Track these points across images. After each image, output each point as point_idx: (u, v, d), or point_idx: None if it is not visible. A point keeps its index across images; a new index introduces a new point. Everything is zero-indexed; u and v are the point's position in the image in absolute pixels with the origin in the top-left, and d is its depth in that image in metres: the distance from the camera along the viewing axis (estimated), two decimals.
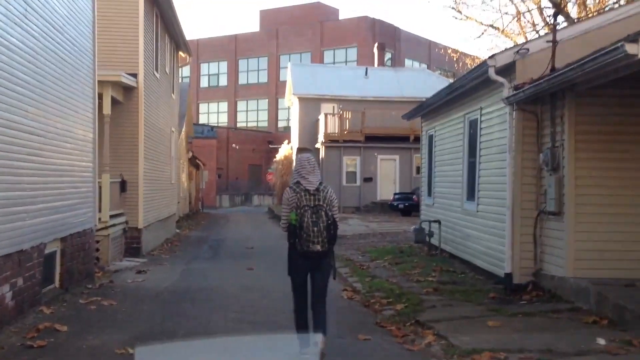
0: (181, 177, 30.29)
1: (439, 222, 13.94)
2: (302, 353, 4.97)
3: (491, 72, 9.79)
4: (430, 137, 15.93)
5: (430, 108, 15.32)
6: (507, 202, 9.78)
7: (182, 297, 9.66)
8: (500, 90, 10.16)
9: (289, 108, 58.20)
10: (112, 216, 14.27)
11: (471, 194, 12.20)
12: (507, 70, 9.83)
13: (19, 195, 7.26)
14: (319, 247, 5.92)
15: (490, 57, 9.88)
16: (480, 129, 11.56)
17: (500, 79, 9.80)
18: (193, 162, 38.10)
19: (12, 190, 7.01)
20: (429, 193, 15.92)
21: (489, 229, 10.94)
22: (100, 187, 13.83)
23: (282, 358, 1.76)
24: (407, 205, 33.36)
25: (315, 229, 5.85)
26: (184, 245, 19.31)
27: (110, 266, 13.70)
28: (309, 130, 40.56)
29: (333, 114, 38.26)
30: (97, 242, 13.58)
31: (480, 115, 11.57)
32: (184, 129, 31.36)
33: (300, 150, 41.22)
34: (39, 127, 8.01)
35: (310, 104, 40.53)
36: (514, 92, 9.54)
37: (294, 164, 6.67)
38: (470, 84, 11.14)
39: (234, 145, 58.45)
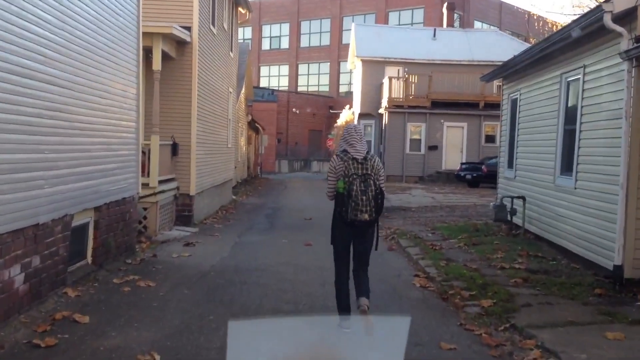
0: (239, 141, 29.23)
1: (523, 198, 12.23)
2: (344, 327, 5.01)
3: (607, 20, 7.99)
4: (514, 102, 14.10)
5: (516, 68, 13.47)
6: (620, 179, 8.06)
7: (230, 279, 8.40)
8: (614, 43, 8.36)
9: (351, 72, 56.35)
10: (161, 182, 13.17)
11: (567, 167, 10.45)
12: (627, 17, 8.02)
13: (34, 159, 6.04)
14: (366, 216, 5.84)
15: (605, 1, 8.06)
16: (583, 90, 9.75)
17: (618, 27, 7.99)
18: (252, 126, 37.02)
19: (22, 152, 5.79)
20: (510, 165, 14.16)
21: (590, 210, 9.23)
22: (147, 151, 12.73)
23: (322, 334, 1.53)
24: (475, 176, 31.48)
25: (364, 197, 5.78)
26: (239, 214, 18.17)
27: (158, 236, 12.64)
28: (372, 95, 38.78)
29: (398, 78, 36.33)
30: (145, 209, 12.55)
31: (584, 75, 9.75)
32: (243, 91, 30.18)
33: (361, 115, 39.61)
34: (62, 76, 6.76)
35: (373, 67, 38.65)
36: (635, 44, 7.74)
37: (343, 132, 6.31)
38: (573, 37, 9.32)
39: (294, 109, 57.22)
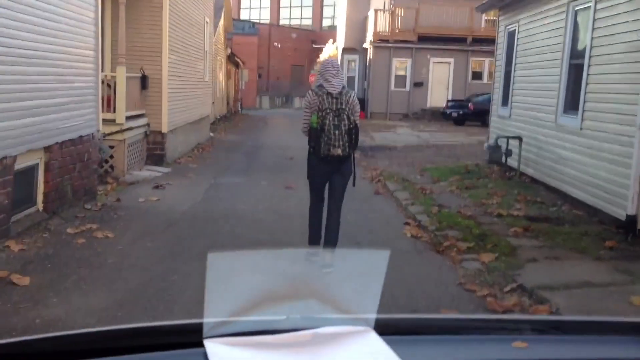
0: (218, 76, 27.93)
1: (519, 138, 11.38)
2: (311, 259, 4.99)
3: None
4: (511, 34, 13.07)
5: None
6: (637, 120, 7.20)
7: (201, 229, 7.52)
8: None
9: (334, 4, 54.42)
10: (129, 118, 12.12)
11: (571, 105, 9.57)
12: None
13: None
14: (339, 151, 5.83)
15: None
16: (594, 20, 8.77)
17: None
18: (232, 60, 35.55)
19: None
20: (505, 102, 13.26)
21: (599, 153, 8.41)
22: (113, 84, 11.63)
23: (302, 266, 1.43)
24: (461, 113, 30.63)
25: (337, 132, 5.78)
26: (216, 152, 17.20)
27: (126, 177, 11.68)
28: (357, 28, 37.28)
29: (384, 11, 34.82)
30: (111, 148, 11.55)
31: (595, 3, 8.75)
32: (221, 23, 28.68)
33: (345, 50, 38.20)
34: None
35: None
36: None
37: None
38: None
39: (275, 43, 55.44)
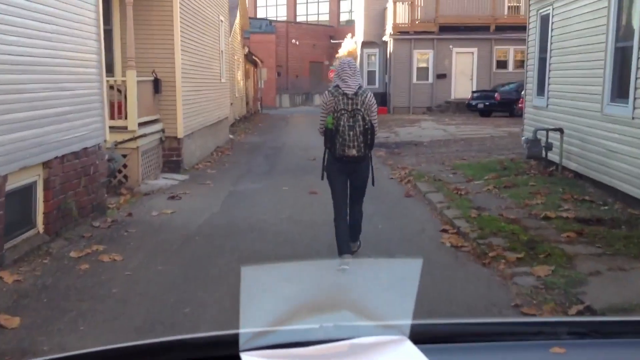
0: (235, 76, 27.28)
1: (560, 130, 10.51)
2: (341, 263, 4.48)
3: None
4: (545, 19, 12.18)
5: None
6: None
7: (219, 246, 6.82)
8: None
9: None
10: (142, 124, 11.49)
11: (620, 93, 8.70)
12: None
13: None
14: (354, 152, 5.82)
15: None
16: None
17: None
18: (249, 59, 34.89)
19: None
20: (540, 92, 12.37)
21: None
22: (123, 89, 11.00)
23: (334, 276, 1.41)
24: (487, 104, 29.65)
25: (352, 132, 5.78)
26: (236, 155, 16.53)
27: (140, 186, 11.05)
28: (375, 21, 36.43)
29: (403, 1, 33.90)
30: (124, 156, 10.93)
31: None
32: (237, 21, 28.03)
33: (364, 44, 37.36)
34: None
35: None
36: None
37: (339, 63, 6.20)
38: None
39: (293, 40, 54.73)
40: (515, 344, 1.33)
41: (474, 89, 32.04)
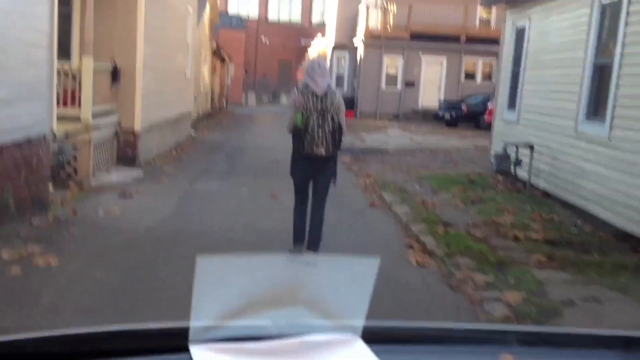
0: (202, 70, 26.59)
1: (531, 147, 10.24)
2: (292, 251, 5.42)
3: None
4: (520, 31, 11.93)
5: None
6: None
7: (166, 251, 6.29)
8: None
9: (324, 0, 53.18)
10: (97, 114, 10.85)
11: (597, 111, 8.46)
12: None
13: None
14: (322, 151, 5.90)
15: None
16: (628, 14, 7.64)
17: None
18: (218, 54, 34.15)
19: None
20: (512, 105, 12.12)
21: (631, 168, 7.28)
22: (78, 76, 10.36)
23: (291, 272, 1.42)
24: (454, 115, 29.55)
25: (320, 131, 5.84)
26: (196, 153, 15.93)
27: (91, 181, 10.41)
28: (347, 24, 36.09)
29: (376, 7, 33.66)
30: (75, 148, 10.27)
31: None
32: (207, 13, 27.32)
33: (335, 47, 36.99)
34: None
35: None
36: None
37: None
38: None
39: (263, 39, 54.12)
40: (465, 349, 1.33)
41: (442, 99, 31.96)
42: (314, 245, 6.13)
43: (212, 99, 33.67)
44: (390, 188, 10.93)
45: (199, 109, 26.07)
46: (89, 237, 6.64)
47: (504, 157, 10.19)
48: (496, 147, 12.78)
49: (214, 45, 31.81)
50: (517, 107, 11.71)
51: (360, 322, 1.23)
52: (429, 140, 22.07)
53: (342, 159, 16.10)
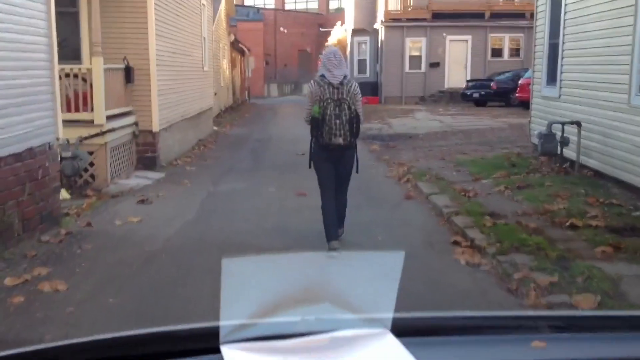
0: (221, 64, 26.03)
1: (578, 124, 9.42)
2: (329, 248, 5.40)
3: None
4: (556, 1, 11.06)
5: None
6: None
7: (187, 266, 5.66)
8: None
9: None
10: (111, 117, 10.32)
11: None
12: None
13: None
14: (341, 140, 5.95)
15: None
16: None
17: None
18: (236, 47, 33.60)
19: None
20: (551, 80, 11.27)
21: None
22: (84, 78, 9.82)
23: (316, 269, 1.51)
24: (483, 94, 28.59)
25: (338, 121, 5.90)
26: (219, 150, 15.35)
27: (110, 187, 9.89)
28: (366, 8, 35.21)
29: None
30: (91, 154, 9.75)
31: None
32: (222, 7, 26.74)
33: (355, 32, 36.12)
34: None
35: None
36: None
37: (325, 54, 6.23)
38: None
39: (282, 28, 53.40)
40: (496, 338, 1.33)
41: (469, 78, 30.96)
42: (340, 223, 6.38)
43: (234, 93, 33.15)
44: (426, 177, 10.19)
45: (220, 103, 25.55)
46: (103, 253, 6.04)
47: (549, 137, 9.36)
48: (536, 126, 11.96)
49: (232, 37, 31.24)
50: (557, 82, 10.86)
51: (389, 315, 1.22)
52: (460, 122, 21.21)
53: (371, 148, 15.41)
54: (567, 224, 6.82)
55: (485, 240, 6.40)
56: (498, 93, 28.15)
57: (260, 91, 47.96)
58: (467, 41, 32.64)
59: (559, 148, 9.55)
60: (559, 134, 9.59)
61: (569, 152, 9.71)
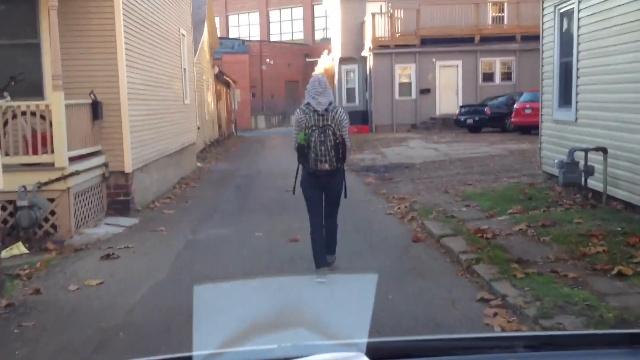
0: (205, 97, 24.98)
1: (603, 150, 8.33)
2: (318, 276, 5.18)
3: None
4: (566, 15, 10.08)
5: None
6: None
7: (154, 347, 4.43)
8: None
9: (326, 15, 51.66)
10: (76, 158, 9.14)
11: None
12: None
13: None
14: (327, 166, 6.03)
15: None
16: None
17: None
18: (221, 79, 32.63)
19: None
20: (565, 103, 10.23)
21: None
22: (43, 115, 8.68)
23: (290, 294, 1.53)
24: (477, 120, 27.67)
25: (323, 147, 5.98)
26: (202, 188, 14.17)
27: (74, 238, 8.69)
28: (353, 36, 34.41)
29: (381, 14, 31.95)
30: (52, 201, 8.56)
31: None
32: (205, 39, 25.77)
33: (342, 60, 35.29)
34: None
35: (353, 4, 34.17)
36: None
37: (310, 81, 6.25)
38: None
39: (267, 60, 52.69)
40: (471, 358, 1.31)
41: (461, 104, 30.08)
42: (331, 250, 6.33)
43: (220, 126, 32.07)
44: (433, 214, 9.03)
45: (205, 137, 24.44)
46: (46, 334, 4.79)
47: (572, 166, 8.24)
48: (547, 152, 10.89)
49: (217, 70, 30.27)
50: (572, 104, 9.81)
51: (363, 340, 1.21)
52: (456, 150, 20.16)
53: (367, 180, 14.29)
54: (613, 272, 5.67)
55: (521, 297, 5.23)
56: (492, 118, 27.26)
57: (247, 123, 46.97)
58: (457, 66, 31.87)
59: (582, 178, 8.43)
60: (580, 161, 8.49)
61: (596, 183, 8.59)
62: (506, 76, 31.93)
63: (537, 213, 8.35)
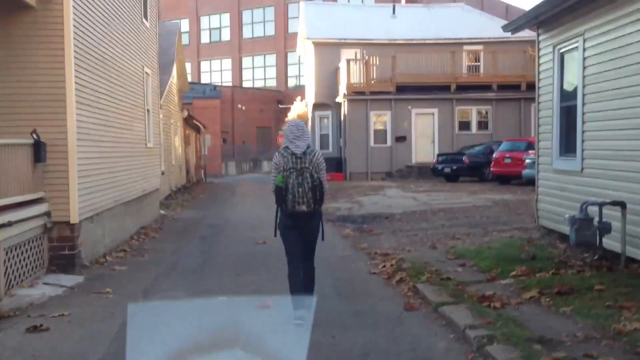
0: (172, 141, 23.76)
1: (622, 205, 7.26)
2: (296, 317, 4.42)
3: None
4: (568, 56, 9.17)
5: (570, 2, 8.53)
6: None
7: None
8: None
9: (299, 62, 51.21)
10: (9, 207, 7.81)
11: None
12: None
13: None
14: (304, 208, 6.12)
15: None
16: None
17: None
18: (190, 123, 31.49)
19: None
20: (568, 151, 9.24)
21: None
22: None
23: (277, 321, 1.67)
24: (455, 168, 26.84)
25: (300, 189, 6.08)
26: (163, 239, 12.81)
27: (3, 300, 7.33)
28: (328, 82, 33.71)
29: (356, 60, 31.36)
30: None
31: None
32: (174, 81, 24.69)
33: (316, 106, 34.49)
34: None
35: (328, 50, 33.60)
36: None
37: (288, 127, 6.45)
38: None
39: (239, 105, 51.82)
40: None
41: (438, 152, 29.32)
42: (309, 291, 6.22)
43: (188, 171, 30.77)
44: (425, 275, 7.83)
45: (171, 183, 23.11)
46: None
47: (585, 223, 7.15)
48: (545, 205, 9.86)
49: (186, 114, 29.13)
50: (577, 153, 8.81)
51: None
52: (436, 199, 19.13)
53: (344, 232, 13.08)
54: None
55: None
56: (471, 167, 26.48)
57: (217, 169, 45.65)
58: (433, 114, 31.28)
59: (597, 237, 7.33)
60: (595, 217, 7.41)
61: (614, 243, 7.49)
62: (482, 125, 31.40)
63: (547, 276, 7.20)
